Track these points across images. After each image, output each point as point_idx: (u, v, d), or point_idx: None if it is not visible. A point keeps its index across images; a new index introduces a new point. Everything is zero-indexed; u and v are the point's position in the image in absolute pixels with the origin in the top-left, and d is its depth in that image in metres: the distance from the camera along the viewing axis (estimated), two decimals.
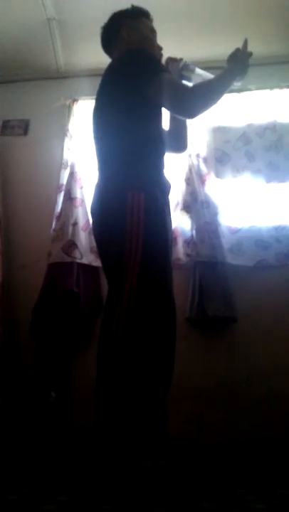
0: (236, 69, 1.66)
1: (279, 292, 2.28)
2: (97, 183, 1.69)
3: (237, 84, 1.70)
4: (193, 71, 1.76)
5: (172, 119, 1.86)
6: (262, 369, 2.21)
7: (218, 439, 2.09)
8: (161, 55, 1.78)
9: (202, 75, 1.75)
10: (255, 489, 1.40)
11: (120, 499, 1.27)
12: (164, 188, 1.67)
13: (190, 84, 1.75)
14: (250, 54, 1.68)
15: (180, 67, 1.76)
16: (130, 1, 1.80)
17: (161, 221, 1.59)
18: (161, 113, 1.71)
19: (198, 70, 1.77)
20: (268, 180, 2.42)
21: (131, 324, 1.46)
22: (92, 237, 2.37)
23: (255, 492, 1.37)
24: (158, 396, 1.54)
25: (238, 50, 1.69)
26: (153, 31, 1.80)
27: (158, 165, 1.68)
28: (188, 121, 1.97)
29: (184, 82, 1.75)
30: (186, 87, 1.69)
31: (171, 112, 1.72)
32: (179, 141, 1.88)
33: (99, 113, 1.70)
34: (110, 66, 1.71)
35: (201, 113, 1.63)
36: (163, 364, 1.55)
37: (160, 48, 1.79)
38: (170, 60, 1.78)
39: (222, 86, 1.64)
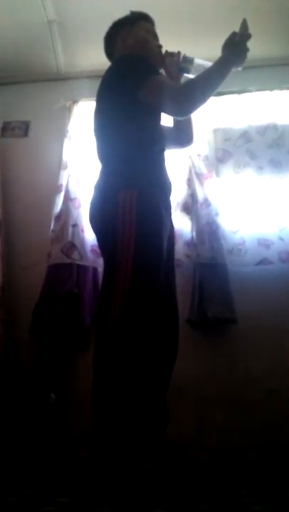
0: (233, 55, 1.58)
1: (279, 293, 2.28)
2: (96, 183, 1.68)
3: (238, 69, 1.62)
4: (191, 62, 1.74)
5: None
6: (262, 371, 2.20)
7: (218, 440, 2.09)
8: (160, 54, 1.78)
9: (202, 64, 1.71)
10: (255, 491, 1.40)
11: (120, 501, 1.27)
12: (162, 187, 1.65)
13: (190, 76, 1.73)
14: (249, 36, 1.58)
15: (179, 61, 1.75)
16: (130, 4, 1.80)
17: (157, 220, 1.54)
18: (157, 112, 1.69)
19: (198, 61, 1.73)
20: (271, 177, 2.41)
21: (124, 328, 1.44)
22: (92, 238, 2.41)
23: (256, 494, 1.36)
24: (155, 397, 1.53)
25: (234, 34, 1.60)
26: (150, 32, 1.79)
27: (155, 164, 1.66)
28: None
29: (185, 74, 1.76)
30: (176, 86, 1.66)
31: (164, 112, 1.69)
32: (183, 136, 1.86)
33: (97, 116, 1.71)
34: (106, 71, 1.71)
35: (194, 110, 1.60)
36: (158, 366, 1.54)
37: (159, 47, 1.79)
38: (168, 54, 1.78)
39: (216, 79, 1.57)
